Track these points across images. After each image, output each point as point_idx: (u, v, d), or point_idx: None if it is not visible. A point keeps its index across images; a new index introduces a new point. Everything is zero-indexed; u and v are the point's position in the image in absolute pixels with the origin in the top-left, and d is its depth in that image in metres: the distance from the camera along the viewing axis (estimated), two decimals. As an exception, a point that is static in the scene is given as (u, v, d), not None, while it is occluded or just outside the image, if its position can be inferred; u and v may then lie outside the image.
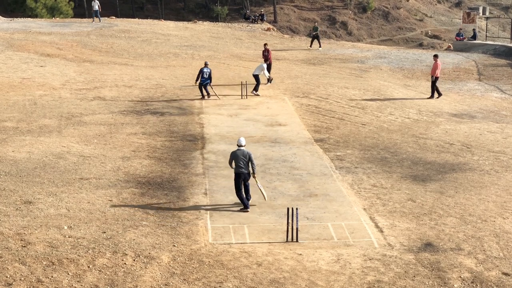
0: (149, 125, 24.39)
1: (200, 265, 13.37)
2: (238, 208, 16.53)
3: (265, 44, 34.67)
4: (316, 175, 19.37)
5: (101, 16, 53.47)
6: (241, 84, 29.22)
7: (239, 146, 17.03)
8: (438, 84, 31.13)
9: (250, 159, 16.70)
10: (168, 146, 21.95)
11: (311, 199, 17.41)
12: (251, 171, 16.71)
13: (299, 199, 17.37)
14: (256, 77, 29.98)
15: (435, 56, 31.46)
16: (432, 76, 31.01)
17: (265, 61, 32.62)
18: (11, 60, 35.57)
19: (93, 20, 52.87)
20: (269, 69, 32.42)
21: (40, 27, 48.63)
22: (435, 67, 30.80)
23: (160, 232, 14.83)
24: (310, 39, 48.62)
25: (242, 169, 16.58)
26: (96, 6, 52.57)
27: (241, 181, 16.60)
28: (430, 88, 31.16)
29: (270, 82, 32.02)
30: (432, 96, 30.73)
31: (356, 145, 22.68)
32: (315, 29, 48.46)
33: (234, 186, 16.62)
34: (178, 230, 15.06)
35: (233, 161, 16.76)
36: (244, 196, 16.65)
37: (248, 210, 16.42)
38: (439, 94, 30.85)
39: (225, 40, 48.15)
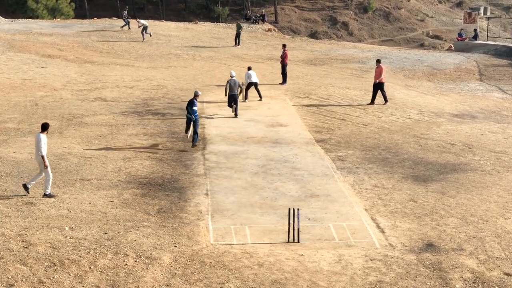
0: (150, 126, 24.39)
1: (202, 266, 13.36)
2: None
3: (284, 45, 34.23)
4: (318, 175, 19.36)
5: (102, 18, 53.14)
6: (242, 85, 29.21)
7: (232, 76, 26.15)
8: (386, 88, 29.34)
9: (239, 85, 26.27)
10: (169, 147, 21.95)
11: (312, 199, 17.40)
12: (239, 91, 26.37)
13: (301, 199, 17.35)
14: (255, 84, 29.09)
15: (378, 61, 29.58)
16: (375, 81, 28.79)
17: (281, 62, 32.63)
18: (12, 61, 35.59)
19: (143, 38, 45.98)
20: (284, 70, 32.41)
21: (41, 28, 48.66)
22: (379, 72, 28.73)
23: (161, 233, 14.82)
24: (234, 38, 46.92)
25: (234, 92, 25.79)
26: (142, 22, 48.12)
27: (233, 100, 25.91)
28: (372, 94, 28.94)
29: (285, 83, 32.32)
30: (372, 102, 28.67)
31: (358, 146, 22.67)
32: (239, 27, 46.98)
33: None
34: (179, 230, 15.06)
35: (229, 87, 25.81)
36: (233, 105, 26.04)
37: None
38: (386, 101, 28.75)
39: (226, 40, 48.16)
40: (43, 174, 16.76)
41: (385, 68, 29.41)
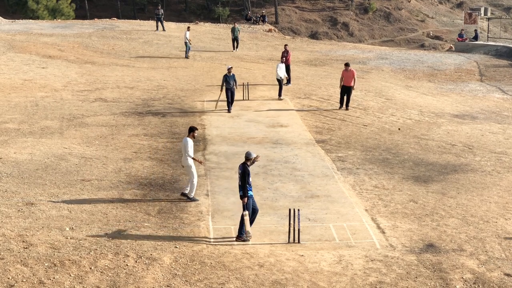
0: (150, 126, 24.40)
1: (202, 266, 13.36)
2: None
3: (285, 45, 34.23)
4: (318, 176, 19.36)
5: (103, 18, 53.23)
6: (243, 85, 29.22)
7: (229, 69, 26.95)
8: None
9: (235, 79, 26.93)
10: (170, 147, 21.95)
11: (312, 200, 17.40)
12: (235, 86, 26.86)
13: (301, 200, 17.35)
14: (279, 81, 29.45)
15: (347, 65, 28.08)
16: (346, 85, 27.47)
17: (284, 62, 32.39)
18: (13, 61, 35.59)
19: (157, 29, 49.35)
20: (288, 71, 32.24)
21: (42, 29, 48.68)
22: (352, 76, 27.44)
23: (161, 233, 14.82)
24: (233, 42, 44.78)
25: (231, 86, 26.62)
26: (160, 12, 50.05)
27: (230, 93, 26.52)
28: (347, 99, 27.62)
29: (289, 83, 32.14)
30: (345, 106, 27.71)
31: (358, 146, 22.67)
32: (234, 30, 44.43)
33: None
34: (179, 231, 15.06)
35: (225, 81, 26.47)
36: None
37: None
38: (347, 107, 27.61)
39: (226, 41, 48.16)
40: (193, 177, 16.89)
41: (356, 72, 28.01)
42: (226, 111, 26.82)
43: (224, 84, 26.80)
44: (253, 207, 14.95)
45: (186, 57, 40.22)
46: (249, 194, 14.74)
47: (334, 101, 29.04)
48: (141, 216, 15.90)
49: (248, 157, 15.22)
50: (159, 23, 50.58)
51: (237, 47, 44.41)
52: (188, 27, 43.45)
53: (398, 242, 14.91)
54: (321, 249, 14.50)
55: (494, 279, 13.22)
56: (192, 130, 17.14)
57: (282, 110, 27.45)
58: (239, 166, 15.01)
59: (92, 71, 34.46)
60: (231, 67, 27.54)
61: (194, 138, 17.20)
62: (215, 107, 27.21)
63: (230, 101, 26.96)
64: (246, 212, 14.65)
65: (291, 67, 33.20)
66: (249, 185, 14.82)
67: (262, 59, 40.89)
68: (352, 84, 27.57)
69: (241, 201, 14.91)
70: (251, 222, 14.85)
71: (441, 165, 20.77)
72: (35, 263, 13.04)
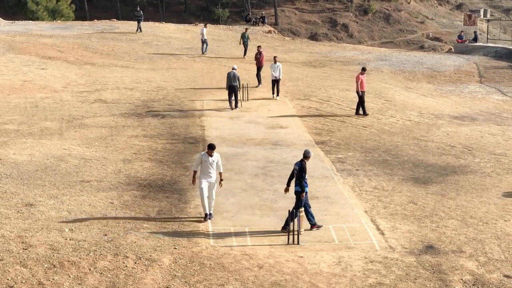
0: (150, 127, 24.39)
1: (201, 268, 13.36)
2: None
3: (258, 47, 34.22)
4: (318, 177, 19.36)
5: (102, 19, 53.00)
6: (242, 86, 29.23)
7: (233, 69, 27.78)
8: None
9: (238, 79, 27.43)
10: (169, 148, 21.95)
11: (312, 201, 17.34)
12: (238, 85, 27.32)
13: (300, 201, 17.33)
14: (274, 81, 29.65)
15: (364, 69, 28.05)
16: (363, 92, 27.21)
17: (257, 64, 32.45)
18: (13, 62, 35.59)
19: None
20: (259, 72, 32.29)
21: (41, 30, 48.69)
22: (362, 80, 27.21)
23: (161, 235, 14.82)
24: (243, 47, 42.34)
25: (234, 83, 27.19)
26: (140, 13, 49.12)
27: (232, 92, 27.27)
28: (362, 106, 27.27)
29: (260, 84, 32.07)
30: (364, 113, 27.22)
31: (357, 148, 22.67)
32: (243, 37, 41.79)
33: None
34: (179, 232, 15.06)
35: (229, 79, 27.14)
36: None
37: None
38: (362, 111, 27.33)
39: (226, 42, 48.18)
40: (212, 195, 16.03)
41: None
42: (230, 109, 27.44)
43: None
44: (305, 203, 15.58)
45: (203, 53, 41.13)
46: (306, 190, 15.45)
47: (334, 102, 29.05)
48: (141, 217, 15.90)
49: (306, 155, 15.74)
50: (138, 24, 49.46)
51: (245, 54, 41.41)
52: (205, 24, 43.09)
53: (398, 243, 14.91)
54: (321, 250, 14.50)
55: (493, 280, 13.23)
56: (208, 147, 15.96)
57: (281, 111, 27.45)
58: (296, 163, 15.55)
59: (91, 72, 34.46)
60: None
61: (210, 156, 15.77)
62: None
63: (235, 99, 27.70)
64: (302, 209, 15.26)
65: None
66: (305, 182, 15.47)
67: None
68: (361, 89, 27.16)
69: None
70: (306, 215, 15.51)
71: (440, 166, 20.77)
72: (34, 264, 13.04)
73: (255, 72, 32.80)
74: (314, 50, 47.46)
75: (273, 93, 29.80)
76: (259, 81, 32.40)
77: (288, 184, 15.74)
